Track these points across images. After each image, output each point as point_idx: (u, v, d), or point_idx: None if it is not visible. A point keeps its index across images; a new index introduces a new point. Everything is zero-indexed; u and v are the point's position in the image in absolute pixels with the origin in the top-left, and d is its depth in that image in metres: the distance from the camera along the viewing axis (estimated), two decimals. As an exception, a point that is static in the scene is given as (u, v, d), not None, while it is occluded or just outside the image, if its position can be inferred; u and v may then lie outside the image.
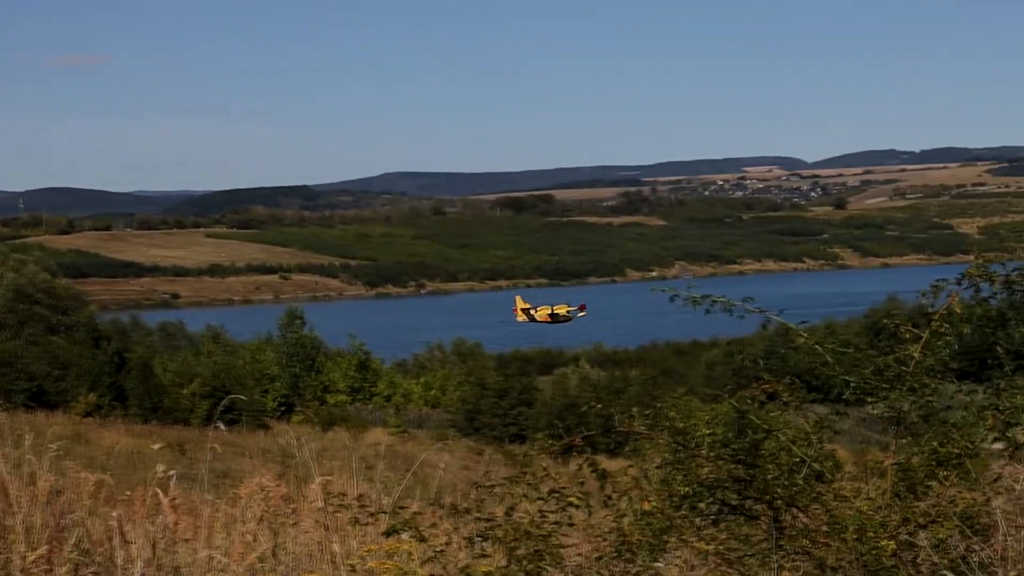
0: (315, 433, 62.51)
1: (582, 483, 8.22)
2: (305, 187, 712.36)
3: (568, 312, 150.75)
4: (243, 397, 67.74)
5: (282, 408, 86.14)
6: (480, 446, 64.98)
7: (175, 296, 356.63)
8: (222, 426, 11.54)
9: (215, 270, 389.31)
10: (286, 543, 9.70)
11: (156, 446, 11.99)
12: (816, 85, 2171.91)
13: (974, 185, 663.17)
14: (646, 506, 8.46)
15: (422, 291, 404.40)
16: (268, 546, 9.52)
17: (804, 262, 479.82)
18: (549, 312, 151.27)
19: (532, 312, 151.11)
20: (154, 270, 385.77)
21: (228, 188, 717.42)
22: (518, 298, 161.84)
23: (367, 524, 8.10)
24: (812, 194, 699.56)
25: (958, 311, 8.93)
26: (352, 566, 8.28)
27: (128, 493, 10.14)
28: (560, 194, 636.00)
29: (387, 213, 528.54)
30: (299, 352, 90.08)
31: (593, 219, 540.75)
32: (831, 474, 8.87)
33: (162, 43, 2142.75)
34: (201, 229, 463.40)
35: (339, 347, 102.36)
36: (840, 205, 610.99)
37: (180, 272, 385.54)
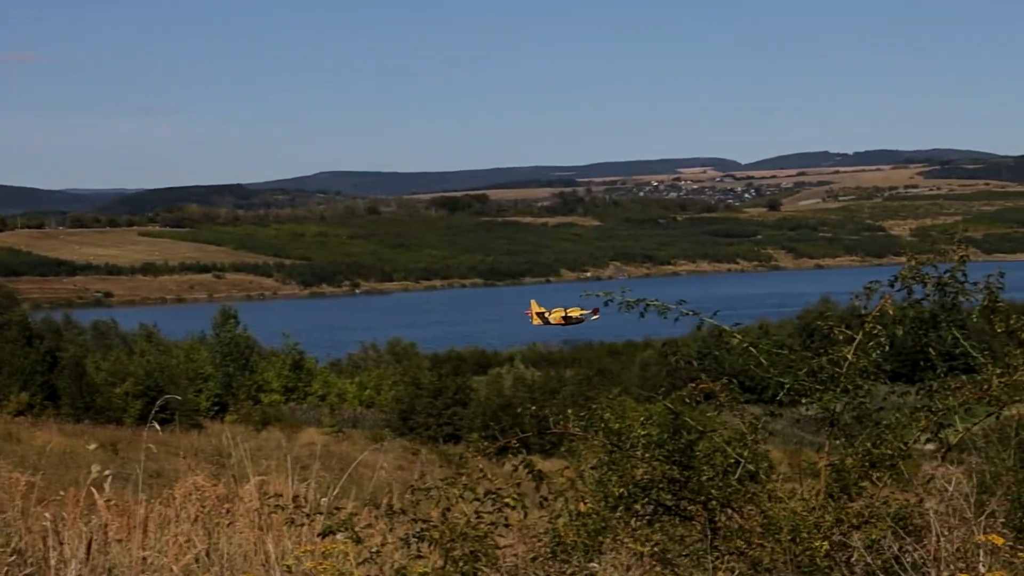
0: (249, 433, 62.23)
1: (518, 484, 8.22)
2: (239, 186, 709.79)
3: (581, 315, 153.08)
4: (177, 397, 67.36)
5: (216, 408, 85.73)
6: (415, 446, 64.91)
7: (108, 295, 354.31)
8: (157, 426, 11.48)
9: (148, 269, 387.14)
10: (220, 543, 9.65)
11: (91, 446, 11.91)
12: (750, 87, 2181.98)
13: (906, 187, 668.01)
14: (582, 507, 8.47)
15: (357, 291, 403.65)
16: (203, 547, 9.47)
17: (738, 263, 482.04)
18: (563, 315, 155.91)
19: (546, 315, 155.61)
20: (87, 268, 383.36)
21: (161, 187, 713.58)
22: (533, 302, 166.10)
23: (303, 525, 8.08)
24: (746, 195, 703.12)
25: (891, 313, 8.99)
26: (288, 567, 8.25)
27: (61, 493, 10.06)
28: (495, 194, 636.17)
29: (322, 212, 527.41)
30: (233, 351, 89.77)
31: (528, 219, 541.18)
32: (765, 475, 8.91)
33: (91, 41, 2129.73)
34: (134, 228, 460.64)
35: (273, 347, 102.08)
36: (774, 206, 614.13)
37: (113, 271, 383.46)
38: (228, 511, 10.15)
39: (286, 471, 11.06)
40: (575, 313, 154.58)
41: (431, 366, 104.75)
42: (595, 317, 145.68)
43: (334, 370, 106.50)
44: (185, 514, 9.94)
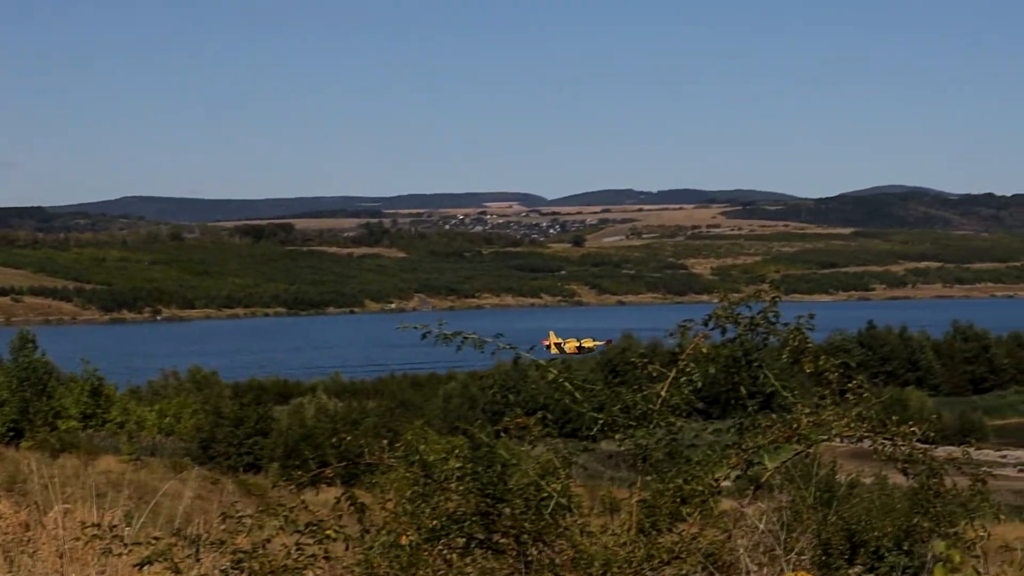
0: (45, 459, 61.13)
1: (339, 516, 8.18)
2: (40, 208, 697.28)
3: (594, 345, 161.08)
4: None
5: (11, 434, 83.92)
6: (215, 475, 64.16)
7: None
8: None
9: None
10: (21, 573, 9.46)
11: None
12: (557, 123, 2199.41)
13: (709, 226, 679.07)
14: (403, 540, 8.45)
15: (158, 317, 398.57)
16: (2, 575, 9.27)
17: (542, 297, 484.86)
18: (577, 345, 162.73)
19: (562, 345, 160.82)
20: None
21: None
22: (551, 333, 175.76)
23: (120, 555, 7.94)
24: (551, 231, 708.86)
25: (705, 351, 9.11)
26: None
27: None
28: (301, 223, 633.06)
29: (124, 237, 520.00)
30: (30, 376, 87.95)
31: (333, 249, 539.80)
32: (577, 509, 8.96)
33: None
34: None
35: (72, 372, 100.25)
36: (578, 242, 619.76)
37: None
38: (30, 539, 9.94)
39: (87, 499, 10.86)
40: (588, 344, 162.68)
41: (233, 395, 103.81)
42: (608, 347, 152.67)
43: (134, 397, 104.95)
44: (-15, 542, 9.71)
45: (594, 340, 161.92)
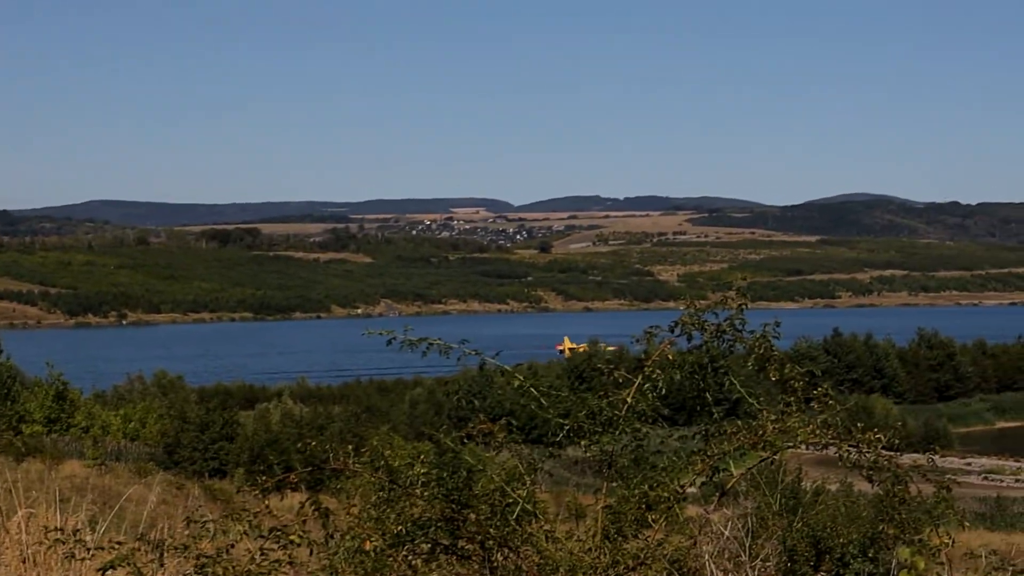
0: (9, 464, 60.83)
1: (304, 521, 8.15)
2: (5, 212, 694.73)
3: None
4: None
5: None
6: (180, 480, 63.96)
7: None
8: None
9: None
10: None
11: None
12: (524, 129, 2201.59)
13: (675, 234, 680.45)
14: (367, 546, 8.42)
15: (123, 321, 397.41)
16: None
17: (508, 303, 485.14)
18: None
19: (577, 350, 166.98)
20: None
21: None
22: (566, 338, 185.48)
23: (83, 560, 7.90)
24: (518, 237, 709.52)
25: (671, 358, 9.10)
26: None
27: None
28: (267, 228, 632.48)
29: (90, 241, 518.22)
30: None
31: (300, 254, 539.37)
32: (543, 515, 8.95)
33: None
34: None
35: (37, 376, 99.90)
36: (545, 249, 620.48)
37: None
38: (-8, 545, 9.88)
39: (51, 504, 10.80)
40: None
41: (198, 400, 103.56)
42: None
43: (98, 401, 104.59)
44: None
45: (608, 345, 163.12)
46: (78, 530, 8.55)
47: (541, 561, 8.48)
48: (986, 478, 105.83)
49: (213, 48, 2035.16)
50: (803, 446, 9.11)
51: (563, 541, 8.64)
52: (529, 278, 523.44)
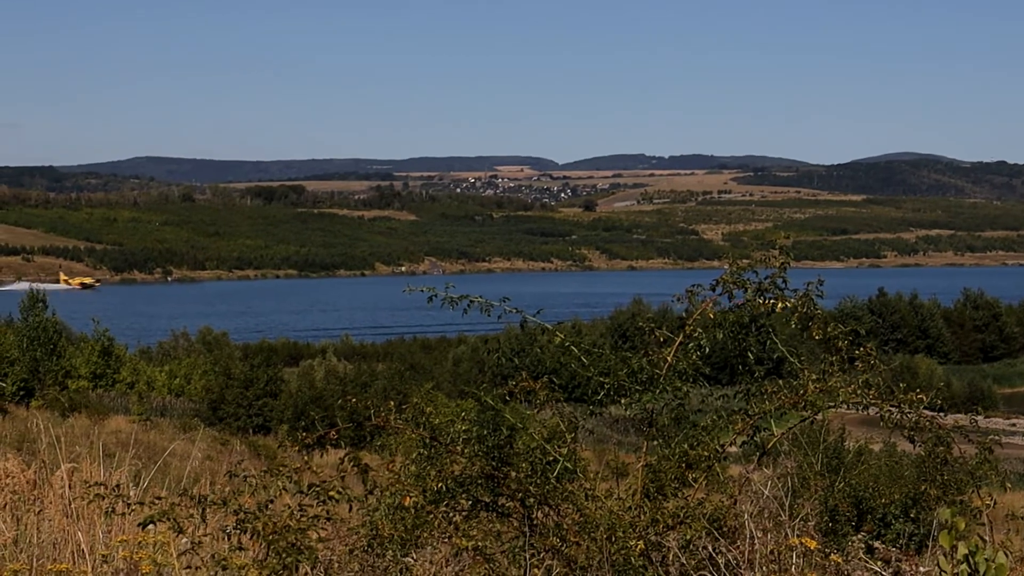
0: (55, 419, 61.22)
1: (342, 477, 8.16)
2: (51, 168, 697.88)
3: None
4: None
5: (22, 393, 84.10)
6: (224, 436, 64.26)
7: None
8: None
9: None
10: (28, 531, 9.44)
11: None
12: (569, 88, 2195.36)
13: (720, 192, 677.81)
14: (407, 502, 8.43)
15: (169, 278, 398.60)
16: (11, 534, 9.26)
17: (552, 262, 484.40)
18: None
19: None
20: None
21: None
22: None
23: (123, 515, 7.93)
24: (562, 195, 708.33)
25: (712, 316, 9.07)
26: (103, 557, 8.09)
27: None
28: (311, 185, 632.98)
29: (135, 197, 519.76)
30: (41, 336, 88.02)
31: (344, 212, 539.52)
32: (583, 473, 8.94)
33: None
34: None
35: (83, 332, 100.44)
36: (589, 207, 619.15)
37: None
38: (37, 498, 9.93)
39: (95, 458, 10.85)
40: None
41: (242, 356, 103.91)
42: None
43: (144, 358, 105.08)
44: (-8, 500, 9.70)
45: None
46: (119, 485, 8.59)
47: (581, 519, 8.48)
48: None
49: (261, 5, 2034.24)
50: (846, 406, 9.07)
51: (603, 499, 8.64)
52: (573, 236, 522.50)
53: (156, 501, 7.60)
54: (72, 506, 9.42)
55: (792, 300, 9.04)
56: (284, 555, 7.35)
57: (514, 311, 9.33)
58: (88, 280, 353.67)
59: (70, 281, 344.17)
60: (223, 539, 7.80)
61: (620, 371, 8.97)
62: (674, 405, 9.04)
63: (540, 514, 8.70)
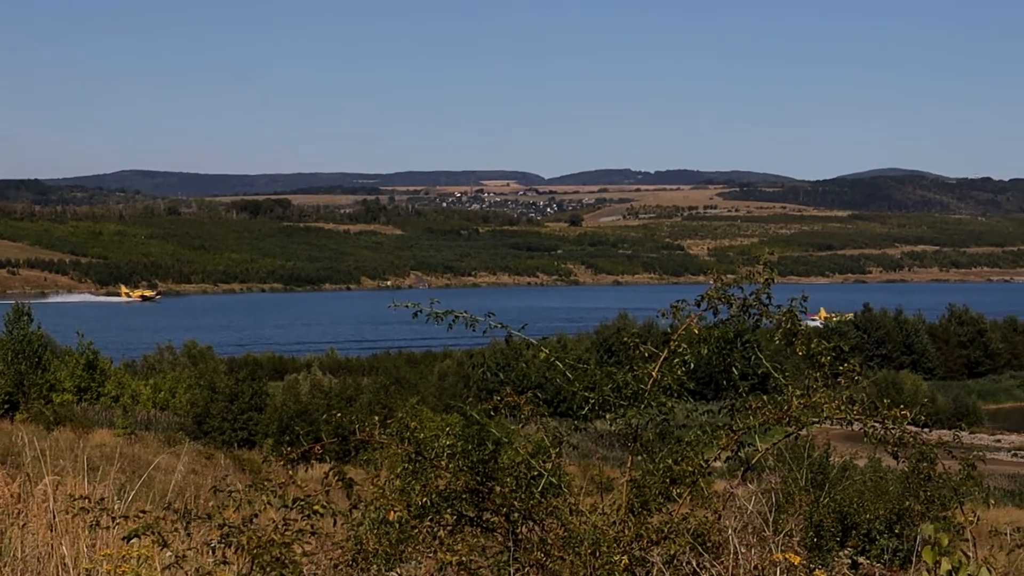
0: (39, 432, 61.07)
1: (327, 491, 8.16)
2: (37, 181, 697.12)
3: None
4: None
5: (6, 406, 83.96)
6: (209, 450, 64.15)
7: None
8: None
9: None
10: (12, 544, 9.43)
11: None
12: (555, 103, 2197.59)
13: (706, 208, 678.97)
14: (392, 516, 8.43)
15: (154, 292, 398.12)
16: (-7, 548, 9.24)
17: (538, 276, 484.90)
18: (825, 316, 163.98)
19: (831, 320, 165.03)
20: None
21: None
22: (822, 310, 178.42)
23: (108, 528, 7.93)
24: (548, 210, 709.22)
25: (696, 332, 9.08)
26: (88, 571, 8.08)
27: None
28: (297, 199, 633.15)
29: (121, 211, 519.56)
30: (25, 349, 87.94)
31: (330, 226, 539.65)
32: (567, 488, 8.94)
33: None
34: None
35: (68, 345, 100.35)
36: (575, 222, 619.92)
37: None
38: (20, 511, 9.92)
39: (79, 472, 10.84)
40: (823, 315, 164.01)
41: (227, 370, 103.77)
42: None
43: (128, 371, 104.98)
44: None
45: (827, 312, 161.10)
46: (104, 498, 8.59)
47: (565, 534, 8.48)
48: (1016, 455, 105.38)
49: (247, 18, 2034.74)
50: (831, 422, 9.09)
51: (587, 514, 8.65)
52: (559, 251, 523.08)
53: (140, 515, 7.60)
54: (56, 519, 9.41)
55: (776, 316, 9.06)
56: (269, 569, 7.36)
57: (499, 326, 9.33)
58: (148, 292, 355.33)
59: (131, 294, 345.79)
60: (208, 553, 7.80)
61: (605, 386, 8.97)
62: (659, 420, 9.04)
63: (525, 529, 8.70)
